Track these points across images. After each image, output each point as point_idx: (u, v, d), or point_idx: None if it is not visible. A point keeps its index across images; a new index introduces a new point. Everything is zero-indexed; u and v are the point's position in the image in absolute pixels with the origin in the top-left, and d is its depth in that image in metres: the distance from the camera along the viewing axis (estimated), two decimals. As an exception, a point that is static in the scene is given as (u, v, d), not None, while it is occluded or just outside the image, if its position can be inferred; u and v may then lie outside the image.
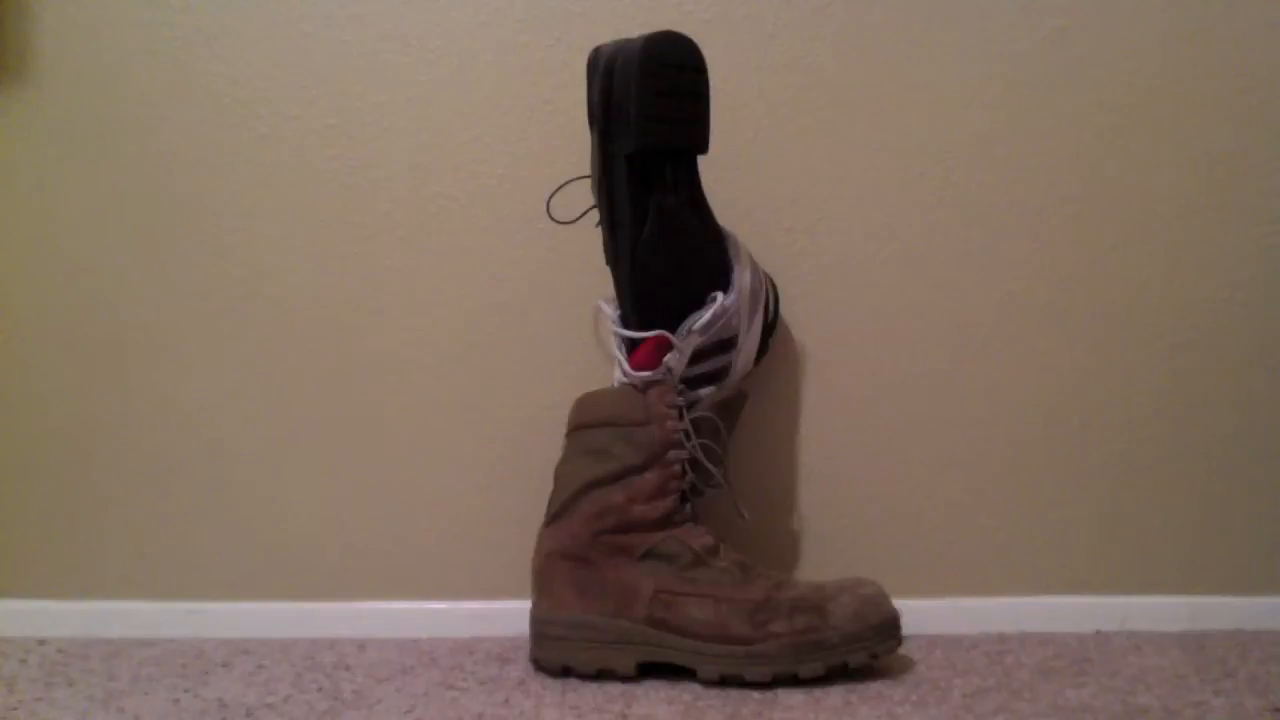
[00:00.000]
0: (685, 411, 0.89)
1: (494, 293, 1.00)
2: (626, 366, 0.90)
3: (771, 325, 0.95)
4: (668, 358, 0.89)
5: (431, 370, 1.00)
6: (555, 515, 0.90)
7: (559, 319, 1.00)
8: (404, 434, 1.00)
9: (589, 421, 0.90)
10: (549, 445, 0.96)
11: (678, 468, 0.89)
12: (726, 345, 0.91)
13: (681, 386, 0.90)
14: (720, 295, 0.89)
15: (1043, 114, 1.00)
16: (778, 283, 0.99)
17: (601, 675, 0.87)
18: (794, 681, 0.85)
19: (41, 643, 0.96)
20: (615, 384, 0.92)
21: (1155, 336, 1.01)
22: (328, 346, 1.00)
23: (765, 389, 1.00)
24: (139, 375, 0.99)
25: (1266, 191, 1.00)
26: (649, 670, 0.88)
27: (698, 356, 0.90)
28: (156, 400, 0.99)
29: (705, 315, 0.89)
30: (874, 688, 0.85)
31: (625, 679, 0.87)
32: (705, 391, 0.91)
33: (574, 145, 0.99)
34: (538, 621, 0.89)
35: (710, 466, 0.89)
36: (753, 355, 0.93)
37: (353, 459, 1.00)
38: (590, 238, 0.98)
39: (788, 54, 0.99)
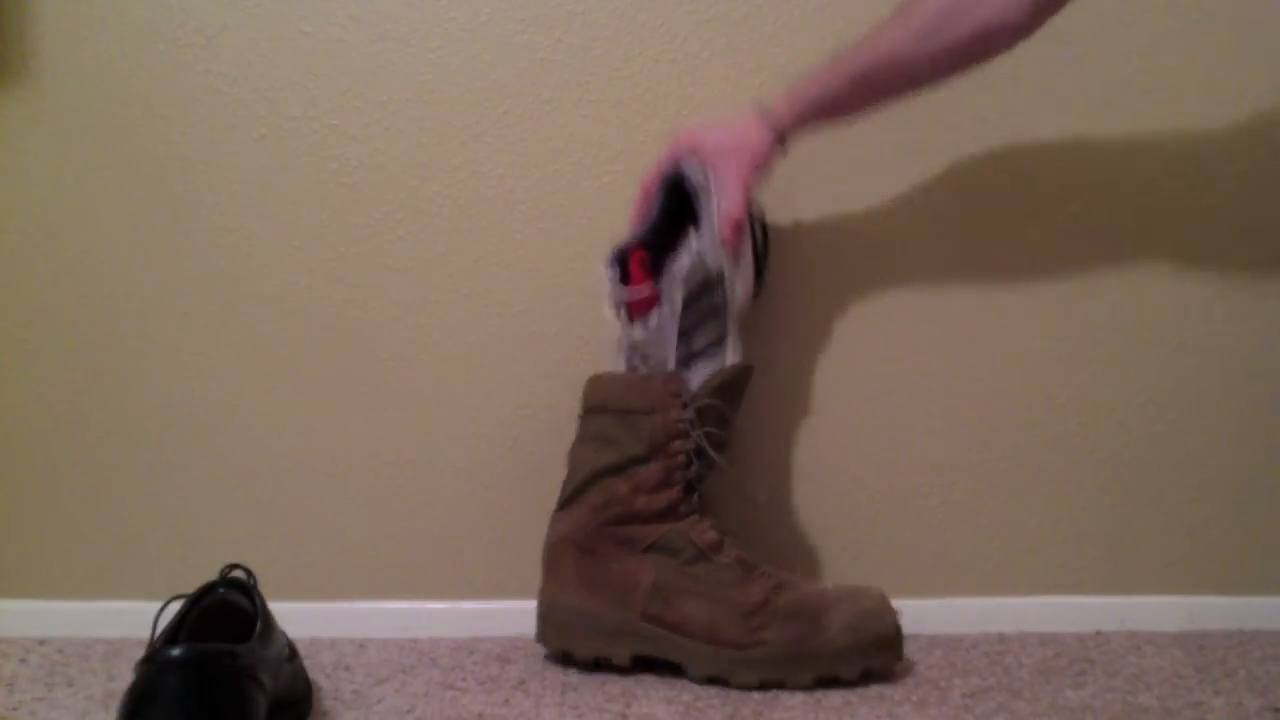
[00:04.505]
0: (689, 401, 0.89)
1: (494, 292, 1.00)
2: (623, 322, 0.90)
3: (763, 253, 0.94)
4: (658, 311, 0.89)
5: (431, 369, 1.00)
6: (567, 500, 0.90)
7: (559, 318, 1.00)
8: (403, 433, 1.00)
9: (597, 405, 0.91)
10: (548, 444, 0.96)
11: (681, 458, 0.89)
12: (717, 280, 0.89)
13: (685, 375, 0.89)
14: (692, 231, 0.88)
15: (1043, 113, 1.00)
16: (778, 282, 0.99)
17: (598, 663, 0.88)
18: (783, 688, 0.85)
19: (41, 643, 0.96)
20: (616, 349, 0.92)
21: (1155, 336, 1.01)
22: (327, 346, 1.00)
23: (767, 389, 1.00)
24: (139, 375, 0.99)
25: (1266, 190, 1.00)
26: (648, 664, 0.88)
27: (691, 299, 0.89)
28: (156, 400, 0.99)
29: (684, 261, 0.88)
30: (874, 688, 0.85)
31: (620, 669, 0.87)
32: (707, 359, 0.90)
33: (574, 145, 0.99)
34: (544, 604, 0.90)
35: (715, 455, 0.89)
36: (750, 286, 0.92)
37: (352, 459, 1.00)
38: (590, 237, 0.98)
39: (788, 54, 0.99)
